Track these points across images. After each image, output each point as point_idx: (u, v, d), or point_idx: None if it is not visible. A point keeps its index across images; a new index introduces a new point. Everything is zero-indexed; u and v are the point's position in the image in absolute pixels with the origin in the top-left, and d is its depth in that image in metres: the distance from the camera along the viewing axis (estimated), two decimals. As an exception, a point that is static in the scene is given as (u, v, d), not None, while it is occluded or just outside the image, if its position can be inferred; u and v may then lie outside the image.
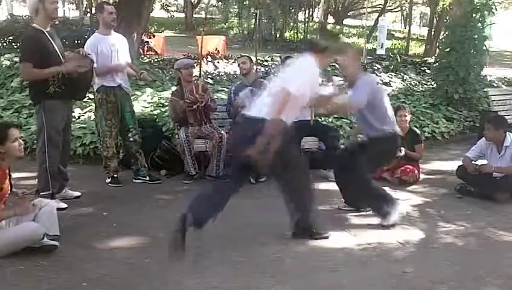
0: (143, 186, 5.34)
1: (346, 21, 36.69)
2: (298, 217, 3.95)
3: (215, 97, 6.59)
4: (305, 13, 27.41)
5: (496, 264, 3.68)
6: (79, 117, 6.74)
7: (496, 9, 9.04)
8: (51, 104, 4.39)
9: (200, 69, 6.78)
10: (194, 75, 5.84)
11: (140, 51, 10.71)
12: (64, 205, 4.50)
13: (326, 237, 4.03)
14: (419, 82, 10.24)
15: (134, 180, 5.44)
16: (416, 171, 5.64)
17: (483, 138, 5.34)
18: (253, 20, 24.83)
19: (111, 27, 5.17)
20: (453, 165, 5.75)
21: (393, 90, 9.35)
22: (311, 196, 3.97)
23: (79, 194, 4.89)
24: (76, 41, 9.00)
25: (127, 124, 5.31)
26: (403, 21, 40.46)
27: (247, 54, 6.15)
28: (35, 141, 5.40)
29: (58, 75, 4.34)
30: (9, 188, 3.67)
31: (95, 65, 4.79)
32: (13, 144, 3.61)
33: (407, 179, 5.53)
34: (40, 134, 4.46)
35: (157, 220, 4.40)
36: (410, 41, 24.54)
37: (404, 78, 10.47)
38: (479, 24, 8.50)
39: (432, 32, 21.74)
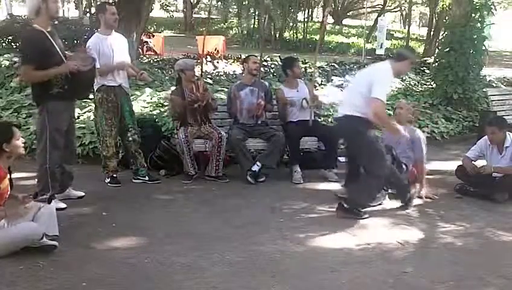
0: (142, 186, 5.33)
1: (345, 21, 36.69)
2: (352, 193, 4.61)
3: (215, 97, 6.59)
4: (304, 13, 27.44)
5: (495, 264, 3.68)
6: (78, 117, 6.71)
7: (495, 9, 9.06)
8: (54, 105, 4.33)
9: (202, 69, 6.79)
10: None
11: (140, 50, 10.71)
12: (63, 205, 4.47)
13: (365, 218, 4.50)
14: (418, 82, 10.24)
15: (133, 180, 5.43)
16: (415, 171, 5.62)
17: (483, 138, 5.33)
18: (253, 20, 24.90)
19: (112, 27, 5.15)
20: (452, 165, 5.75)
21: (392, 90, 9.35)
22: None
23: (82, 194, 4.85)
24: (75, 41, 8.98)
25: (126, 124, 5.29)
26: (402, 21, 40.46)
27: (254, 54, 6.24)
28: (34, 141, 5.39)
29: (61, 76, 4.30)
30: (9, 188, 3.67)
31: (97, 64, 4.77)
32: (18, 141, 3.67)
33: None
34: (42, 135, 4.38)
35: (157, 220, 4.40)
36: (410, 41, 24.48)
37: (404, 78, 10.46)
38: (479, 24, 8.51)
39: (431, 32, 21.67)
